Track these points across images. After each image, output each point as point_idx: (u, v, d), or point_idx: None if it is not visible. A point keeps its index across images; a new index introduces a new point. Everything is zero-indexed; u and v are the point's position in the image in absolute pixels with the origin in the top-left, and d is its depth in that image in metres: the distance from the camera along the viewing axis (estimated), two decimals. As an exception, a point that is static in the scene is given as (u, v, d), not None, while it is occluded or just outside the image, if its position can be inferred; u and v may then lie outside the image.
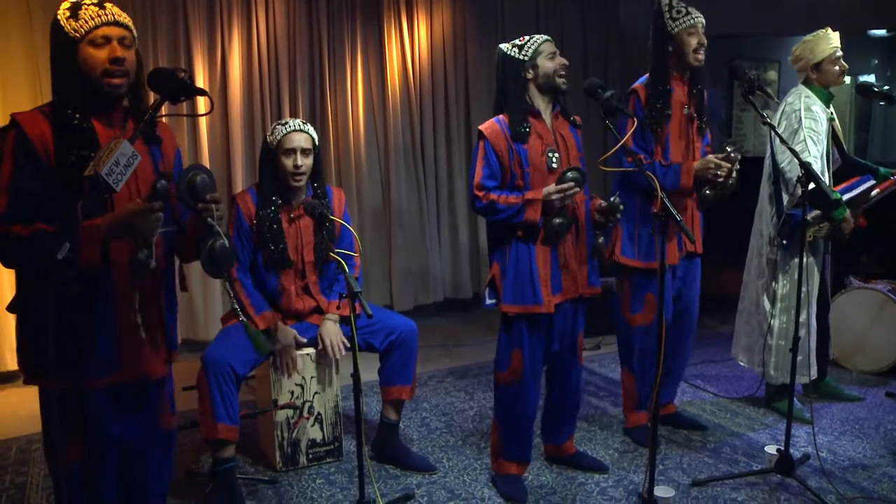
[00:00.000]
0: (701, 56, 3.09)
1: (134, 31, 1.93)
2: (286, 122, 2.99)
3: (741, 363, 3.77)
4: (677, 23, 3.06)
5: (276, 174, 2.98)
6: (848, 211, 3.32)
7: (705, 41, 3.09)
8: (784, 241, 3.45)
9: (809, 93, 3.45)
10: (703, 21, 3.09)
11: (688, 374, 4.17)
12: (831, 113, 3.49)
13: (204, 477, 3.01)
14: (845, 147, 3.64)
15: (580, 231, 2.81)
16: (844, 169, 3.63)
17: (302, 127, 2.99)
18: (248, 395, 3.71)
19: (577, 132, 2.87)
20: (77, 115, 1.85)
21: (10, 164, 1.82)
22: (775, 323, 3.54)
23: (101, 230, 1.79)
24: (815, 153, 3.32)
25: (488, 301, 2.83)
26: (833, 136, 3.53)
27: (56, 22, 1.87)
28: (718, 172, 3.03)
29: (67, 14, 1.86)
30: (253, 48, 4.81)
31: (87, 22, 1.84)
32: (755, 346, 3.64)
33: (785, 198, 3.40)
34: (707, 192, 3.11)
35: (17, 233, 1.77)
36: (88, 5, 1.86)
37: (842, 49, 3.44)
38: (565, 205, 2.69)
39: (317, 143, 3.04)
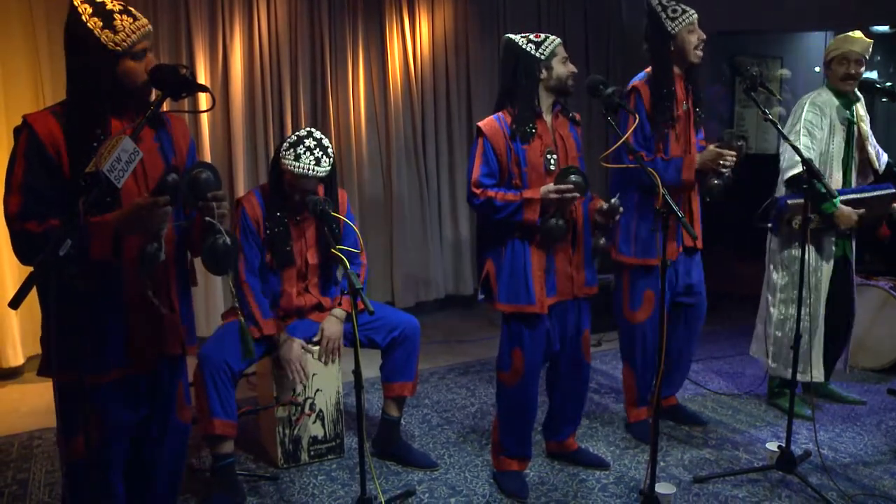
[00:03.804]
0: (701, 52, 3.09)
1: None
2: (299, 155, 2.80)
3: (751, 354, 3.78)
4: (676, 22, 3.05)
5: (281, 186, 2.92)
6: (839, 207, 3.28)
7: (704, 36, 3.09)
8: (769, 225, 3.43)
9: (824, 90, 3.44)
10: (697, 16, 3.09)
11: (689, 371, 4.17)
12: (850, 115, 3.43)
13: (205, 473, 3.01)
14: (872, 152, 3.50)
15: (578, 234, 2.80)
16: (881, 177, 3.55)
17: (313, 171, 2.81)
18: (249, 391, 3.72)
19: (576, 130, 2.86)
20: (94, 115, 1.87)
21: (23, 165, 1.85)
22: (774, 312, 3.53)
23: (112, 226, 1.80)
24: (807, 143, 3.31)
25: (480, 296, 2.84)
26: (858, 140, 3.45)
27: (85, 29, 1.83)
28: (724, 162, 3.01)
29: (100, 24, 1.83)
30: (254, 44, 4.80)
31: (128, 36, 1.84)
32: (761, 336, 3.65)
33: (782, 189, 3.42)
34: (715, 181, 3.05)
35: (31, 230, 1.81)
36: (121, 15, 1.85)
37: (864, 55, 3.35)
38: (564, 207, 2.67)
39: (331, 170, 2.89)
